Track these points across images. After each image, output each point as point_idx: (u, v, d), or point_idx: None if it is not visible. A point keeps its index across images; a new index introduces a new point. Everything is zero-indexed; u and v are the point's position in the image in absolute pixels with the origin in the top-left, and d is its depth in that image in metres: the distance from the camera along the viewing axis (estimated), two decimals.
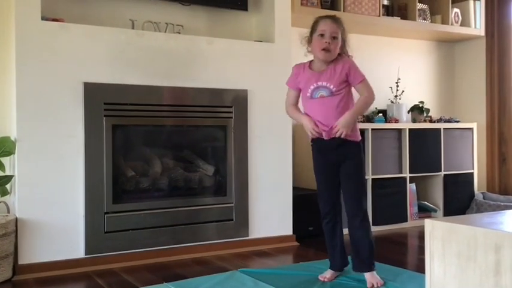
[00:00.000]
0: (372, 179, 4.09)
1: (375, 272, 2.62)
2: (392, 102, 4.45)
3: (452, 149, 4.53)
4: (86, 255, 3.02)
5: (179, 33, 3.44)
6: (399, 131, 4.29)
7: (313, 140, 2.65)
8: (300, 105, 2.72)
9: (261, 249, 3.47)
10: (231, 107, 3.45)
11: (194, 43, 3.36)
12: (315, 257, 3.21)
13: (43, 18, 2.94)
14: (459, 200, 4.55)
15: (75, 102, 3.00)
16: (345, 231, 2.71)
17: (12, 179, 2.92)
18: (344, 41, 2.59)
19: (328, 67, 2.57)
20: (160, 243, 3.22)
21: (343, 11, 4.03)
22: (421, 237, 3.80)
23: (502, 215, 1.72)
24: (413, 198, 4.38)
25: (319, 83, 2.56)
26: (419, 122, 4.50)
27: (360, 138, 2.66)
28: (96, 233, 3.05)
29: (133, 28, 3.30)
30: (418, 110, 4.52)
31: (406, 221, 4.27)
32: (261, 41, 3.64)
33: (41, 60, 2.92)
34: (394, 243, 3.71)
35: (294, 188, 3.74)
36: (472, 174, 4.64)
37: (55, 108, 2.95)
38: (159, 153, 3.49)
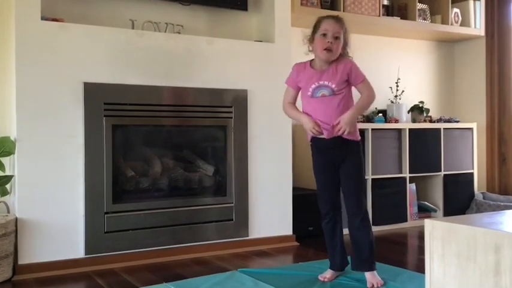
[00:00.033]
0: (372, 179, 4.09)
1: (375, 272, 2.62)
2: (392, 102, 4.45)
3: (452, 149, 4.53)
4: (85, 255, 3.02)
5: (179, 33, 3.44)
6: (399, 131, 4.29)
7: (312, 139, 2.65)
8: (298, 104, 2.72)
9: (261, 249, 3.47)
10: (231, 107, 3.45)
11: (194, 43, 3.36)
12: (314, 257, 3.21)
13: (43, 18, 2.94)
14: (459, 200, 4.55)
15: (75, 102, 3.00)
16: (345, 231, 2.71)
17: (12, 179, 2.92)
18: (345, 42, 2.59)
19: (330, 66, 2.57)
20: (160, 243, 3.23)
21: (343, 11, 4.03)
22: (421, 237, 3.80)
23: (502, 215, 1.72)
24: (413, 198, 4.39)
25: (321, 82, 2.56)
26: (419, 122, 4.50)
27: (360, 138, 2.66)
28: (96, 233, 3.05)
29: (133, 28, 3.30)
30: (418, 110, 4.52)
31: (406, 221, 4.27)
32: (261, 41, 3.64)
33: (41, 60, 2.92)
34: (394, 243, 3.71)
35: (294, 188, 3.74)
36: (472, 174, 4.64)
37: (55, 108, 2.95)
38: (159, 153, 3.49)
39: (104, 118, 3.07)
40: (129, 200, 3.26)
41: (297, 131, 3.94)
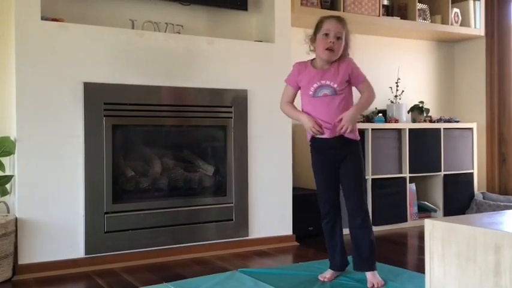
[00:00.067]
0: (372, 179, 4.09)
1: (376, 272, 2.62)
2: (392, 102, 4.45)
3: (452, 149, 4.53)
4: (85, 255, 3.02)
5: (179, 33, 3.44)
6: (399, 131, 4.29)
7: (311, 139, 2.65)
8: (296, 104, 2.72)
9: (261, 249, 3.47)
10: (231, 107, 3.45)
11: (194, 43, 3.36)
12: (314, 257, 3.21)
13: (43, 18, 2.94)
14: (459, 200, 4.55)
15: (75, 102, 3.00)
16: (345, 231, 2.71)
17: (12, 179, 2.92)
18: (347, 43, 2.59)
19: (332, 66, 2.57)
20: (160, 243, 3.22)
21: (343, 11, 4.03)
22: (421, 237, 3.80)
23: (501, 215, 1.72)
24: (413, 198, 4.39)
25: (323, 82, 2.56)
26: (419, 122, 4.50)
27: (359, 137, 2.66)
28: (96, 233, 3.05)
29: (133, 28, 3.30)
30: (418, 110, 4.52)
31: (406, 221, 4.27)
32: (261, 41, 3.64)
33: (41, 60, 2.92)
34: (394, 243, 3.71)
35: (294, 188, 3.74)
36: (472, 174, 4.64)
37: (55, 108, 2.95)
38: (159, 153, 3.49)
39: (104, 118, 3.07)
40: (129, 200, 3.26)
41: (297, 131, 3.94)
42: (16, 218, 2.86)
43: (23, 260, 2.88)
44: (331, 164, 2.64)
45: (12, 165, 2.96)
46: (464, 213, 4.49)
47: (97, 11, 3.31)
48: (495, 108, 4.81)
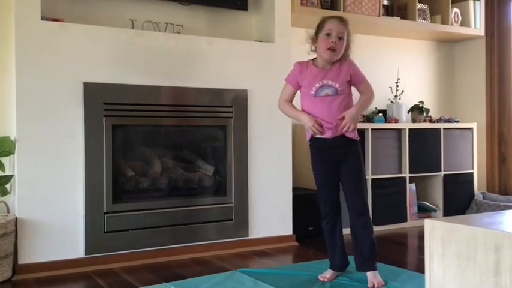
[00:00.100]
0: (372, 179, 4.09)
1: (377, 272, 2.62)
2: (392, 102, 4.45)
3: (452, 149, 4.53)
4: (85, 255, 3.02)
5: (179, 33, 3.44)
6: (399, 131, 4.29)
7: (311, 139, 2.65)
8: (294, 103, 2.71)
9: (261, 249, 3.47)
10: (231, 107, 3.45)
11: (194, 43, 3.36)
12: (314, 257, 3.21)
13: (43, 18, 2.94)
14: (459, 200, 4.55)
15: (75, 102, 3.00)
16: (345, 230, 2.71)
17: (12, 179, 2.92)
18: (348, 45, 2.59)
19: (334, 66, 2.58)
20: (160, 243, 3.22)
21: (343, 11, 4.03)
22: (421, 237, 3.80)
23: (501, 215, 1.72)
24: (413, 198, 4.39)
25: (325, 82, 2.56)
26: (419, 122, 4.50)
27: (359, 137, 2.67)
28: (96, 233, 3.05)
29: (133, 28, 3.30)
30: (418, 110, 4.52)
31: (406, 221, 4.27)
32: (261, 41, 3.64)
33: (41, 60, 2.92)
34: (394, 243, 3.71)
35: (294, 188, 3.74)
36: (471, 174, 4.64)
37: (55, 108, 2.95)
38: (159, 153, 3.49)
39: (104, 118, 3.07)
40: (129, 200, 3.26)
41: (297, 131, 3.94)
42: (16, 218, 2.86)
43: (23, 260, 2.88)
44: (331, 163, 2.64)
45: (12, 165, 2.96)
46: (464, 213, 4.49)
47: (97, 11, 3.31)
48: (495, 108, 4.81)
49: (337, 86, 2.55)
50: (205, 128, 3.53)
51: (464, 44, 5.08)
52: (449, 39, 5.02)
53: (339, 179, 2.66)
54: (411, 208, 4.35)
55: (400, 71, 4.61)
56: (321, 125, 2.54)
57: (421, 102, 4.54)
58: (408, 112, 4.53)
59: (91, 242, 3.03)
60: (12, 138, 2.91)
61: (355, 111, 2.55)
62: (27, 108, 2.89)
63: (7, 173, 2.97)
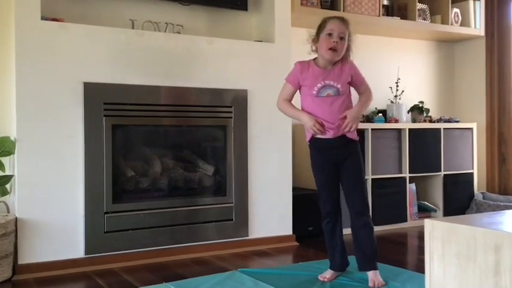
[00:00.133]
0: (372, 179, 4.09)
1: (378, 272, 2.62)
2: (392, 102, 4.45)
3: (452, 149, 4.53)
4: (85, 255, 3.02)
5: (179, 33, 3.44)
6: (399, 131, 4.29)
7: (311, 139, 2.65)
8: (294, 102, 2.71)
9: (261, 249, 3.47)
10: (231, 106, 3.45)
11: (194, 43, 3.36)
12: (314, 257, 3.21)
13: (43, 18, 2.94)
14: (459, 200, 4.55)
15: (75, 102, 3.00)
16: (345, 230, 2.71)
17: (12, 179, 2.92)
18: (349, 45, 2.59)
19: (335, 66, 2.58)
20: (160, 243, 3.22)
21: (343, 11, 4.03)
22: (420, 237, 3.80)
23: (501, 215, 1.72)
24: (413, 198, 4.39)
25: (327, 82, 2.56)
26: (419, 122, 4.50)
27: (358, 137, 2.67)
28: (96, 233, 3.05)
29: (133, 28, 3.30)
30: (418, 110, 4.52)
31: (406, 221, 4.27)
32: (261, 41, 3.64)
33: (41, 60, 2.92)
34: (394, 243, 3.71)
35: (294, 188, 3.74)
36: (471, 174, 4.64)
37: (55, 108, 2.95)
38: (159, 153, 3.49)
39: (104, 118, 3.07)
40: (129, 200, 3.26)
41: (297, 131, 3.94)
42: (16, 218, 2.86)
43: (23, 259, 2.88)
44: (331, 163, 2.64)
45: (12, 165, 2.96)
46: (464, 213, 4.49)
47: (97, 11, 3.31)
48: (495, 108, 4.81)
49: (338, 86, 2.56)
50: (205, 128, 3.53)
51: (464, 44, 5.08)
52: (449, 39, 5.02)
53: (339, 179, 2.66)
54: (411, 208, 4.35)
55: (400, 71, 4.61)
56: (321, 125, 2.54)
57: (421, 102, 4.54)
58: (408, 112, 4.53)
59: (91, 242, 3.03)
60: (12, 138, 2.91)
61: (356, 111, 2.56)
62: (27, 108, 2.89)
63: (7, 173, 2.97)
